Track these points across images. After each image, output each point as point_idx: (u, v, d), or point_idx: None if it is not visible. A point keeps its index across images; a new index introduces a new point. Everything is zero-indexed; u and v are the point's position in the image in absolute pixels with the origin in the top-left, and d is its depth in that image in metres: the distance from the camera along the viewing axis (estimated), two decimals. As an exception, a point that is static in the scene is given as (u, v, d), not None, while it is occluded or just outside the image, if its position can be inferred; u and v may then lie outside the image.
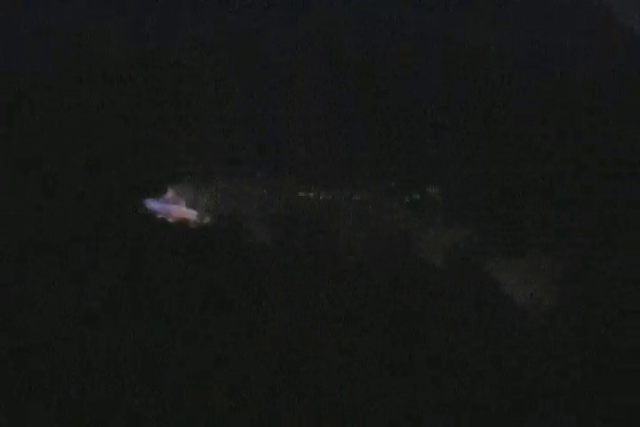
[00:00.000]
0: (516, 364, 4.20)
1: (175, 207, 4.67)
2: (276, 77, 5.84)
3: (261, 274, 4.52)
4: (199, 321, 4.30)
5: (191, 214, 4.65)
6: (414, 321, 4.36)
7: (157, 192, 4.76)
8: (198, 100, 5.64)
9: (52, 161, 5.14)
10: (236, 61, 6.00)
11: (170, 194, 4.66)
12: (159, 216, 4.67)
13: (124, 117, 5.47)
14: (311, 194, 4.85)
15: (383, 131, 5.51)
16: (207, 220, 4.67)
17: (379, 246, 4.65)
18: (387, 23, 6.41)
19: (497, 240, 4.77)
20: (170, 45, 6.08)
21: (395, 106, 5.68)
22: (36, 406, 3.91)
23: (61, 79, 5.73)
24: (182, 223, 4.65)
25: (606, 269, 4.65)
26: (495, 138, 5.49)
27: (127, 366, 4.10)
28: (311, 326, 4.27)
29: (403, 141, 5.40)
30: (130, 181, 5.06)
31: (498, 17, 6.51)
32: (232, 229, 4.66)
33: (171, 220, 4.66)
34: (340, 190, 4.89)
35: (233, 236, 4.65)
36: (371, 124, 5.54)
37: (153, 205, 4.65)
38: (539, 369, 4.16)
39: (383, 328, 4.32)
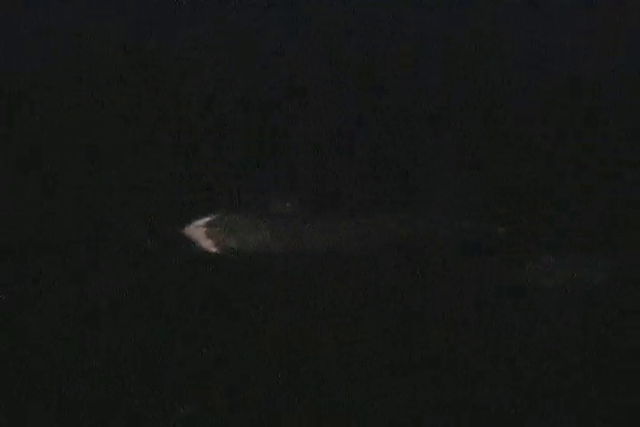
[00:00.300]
0: (516, 364, 4.20)
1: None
2: (275, 77, 5.84)
3: (265, 279, 4.51)
4: (201, 323, 4.30)
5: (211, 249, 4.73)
6: (416, 322, 4.36)
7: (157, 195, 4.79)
8: (194, 101, 5.64)
9: (51, 161, 5.13)
10: (236, 61, 6.00)
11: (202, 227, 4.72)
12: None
13: (123, 117, 5.47)
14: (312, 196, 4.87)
15: (383, 130, 5.51)
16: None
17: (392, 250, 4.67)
18: (387, 23, 6.41)
19: (498, 238, 4.77)
20: (170, 45, 6.08)
21: (394, 105, 5.68)
22: (35, 405, 3.90)
23: (61, 79, 5.73)
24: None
25: (607, 269, 4.65)
26: (495, 137, 5.49)
27: (129, 366, 4.09)
28: (321, 329, 4.27)
29: (403, 141, 5.40)
30: (129, 181, 5.05)
31: (498, 17, 6.51)
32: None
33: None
34: (343, 191, 4.90)
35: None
36: (371, 124, 5.54)
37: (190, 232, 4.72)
38: (539, 369, 4.16)
39: (389, 328, 4.32)
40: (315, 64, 5.76)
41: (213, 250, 4.65)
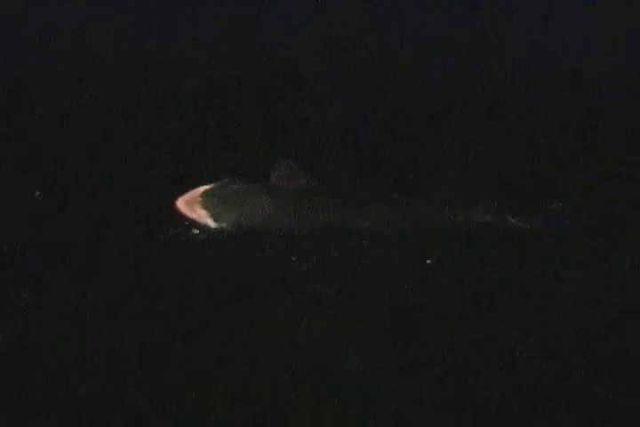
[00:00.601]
0: (515, 364, 4.20)
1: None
2: (276, 76, 5.83)
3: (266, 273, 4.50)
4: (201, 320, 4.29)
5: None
6: (415, 318, 4.35)
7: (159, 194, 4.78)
8: (197, 99, 5.63)
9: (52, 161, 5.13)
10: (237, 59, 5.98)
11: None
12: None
13: (124, 117, 5.46)
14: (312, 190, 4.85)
15: (383, 130, 5.50)
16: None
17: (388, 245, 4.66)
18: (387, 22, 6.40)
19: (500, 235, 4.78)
20: (170, 45, 6.06)
21: (394, 105, 5.68)
22: (36, 406, 3.91)
23: (61, 79, 5.72)
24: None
25: (607, 269, 4.65)
26: (498, 135, 5.49)
27: (129, 365, 4.09)
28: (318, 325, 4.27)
29: (404, 141, 5.40)
30: (130, 181, 5.05)
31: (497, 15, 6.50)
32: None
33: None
34: (345, 188, 4.90)
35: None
36: (371, 123, 5.54)
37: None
38: (539, 369, 4.16)
39: (388, 325, 4.32)
40: (315, 63, 5.75)
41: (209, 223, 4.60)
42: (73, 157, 5.15)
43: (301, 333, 4.24)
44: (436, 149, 5.36)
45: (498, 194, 5.00)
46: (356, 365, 4.03)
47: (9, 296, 4.32)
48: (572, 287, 4.51)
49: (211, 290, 4.43)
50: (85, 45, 5.99)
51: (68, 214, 4.78)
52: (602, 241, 4.76)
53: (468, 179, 5.10)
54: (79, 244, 4.62)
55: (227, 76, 5.89)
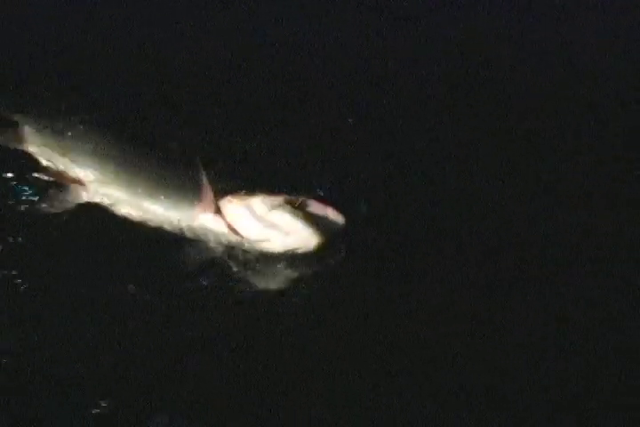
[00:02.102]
0: (515, 364, 4.21)
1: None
2: (276, 78, 5.84)
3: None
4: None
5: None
6: (415, 319, 4.36)
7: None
8: (197, 99, 5.64)
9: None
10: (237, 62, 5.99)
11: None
12: None
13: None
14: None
15: (383, 130, 5.51)
16: None
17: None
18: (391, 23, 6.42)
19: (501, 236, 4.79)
20: (170, 45, 6.07)
21: (394, 105, 5.69)
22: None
23: (62, 79, 5.72)
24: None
25: (607, 269, 4.67)
26: (498, 135, 5.50)
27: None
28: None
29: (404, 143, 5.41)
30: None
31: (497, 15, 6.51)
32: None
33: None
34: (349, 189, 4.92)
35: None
36: (373, 123, 5.55)
37: None
38: (539, 370, 4.18)
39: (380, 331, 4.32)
40: (317, 65, 5.76)
41: None
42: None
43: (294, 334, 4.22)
44: (436, 148, 5.37)
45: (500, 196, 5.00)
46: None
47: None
48: (572, 287, 4.53)
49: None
50: (85, 45, 5.99)
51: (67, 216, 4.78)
52: (602, 241, 4.77)
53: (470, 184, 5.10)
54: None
55: (227, 76, 5.90)
